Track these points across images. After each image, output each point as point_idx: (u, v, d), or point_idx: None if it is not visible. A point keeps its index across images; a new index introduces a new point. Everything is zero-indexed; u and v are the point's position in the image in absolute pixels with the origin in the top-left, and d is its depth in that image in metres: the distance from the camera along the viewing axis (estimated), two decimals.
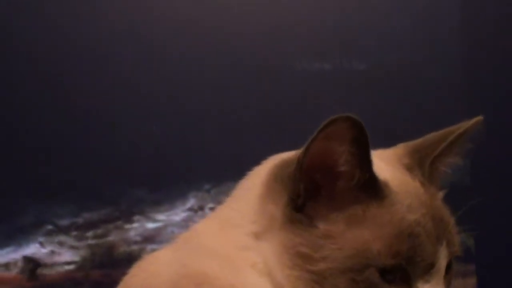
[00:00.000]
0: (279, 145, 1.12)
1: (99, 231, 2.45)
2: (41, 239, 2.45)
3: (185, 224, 2.39)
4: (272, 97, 2.53)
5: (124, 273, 1.10)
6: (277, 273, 0.97)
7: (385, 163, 1.04)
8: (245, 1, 2.53)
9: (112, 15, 2.50)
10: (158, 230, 2.45)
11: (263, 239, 0.99)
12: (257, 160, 1.11)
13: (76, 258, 2.46)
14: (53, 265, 2.44)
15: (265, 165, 1.08)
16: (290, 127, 2.48)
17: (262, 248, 0.99)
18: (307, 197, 0.98)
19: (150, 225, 2.49)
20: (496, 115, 2.38)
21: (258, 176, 1.05)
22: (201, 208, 2.50)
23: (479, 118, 1.10)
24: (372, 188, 0.99)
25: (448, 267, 1.03)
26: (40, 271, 2.44)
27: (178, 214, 2.45)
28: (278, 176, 1.01)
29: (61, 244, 2.46)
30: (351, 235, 0.97)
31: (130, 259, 1.14)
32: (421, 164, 1.07)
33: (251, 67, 2.52)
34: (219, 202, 1.13)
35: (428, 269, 0.99)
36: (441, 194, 1.08)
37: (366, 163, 0.97)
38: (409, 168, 1.06)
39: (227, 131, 2.51)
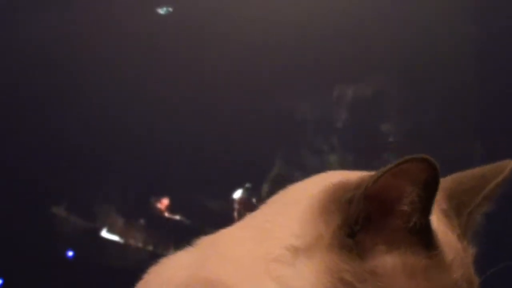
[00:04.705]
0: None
1: None
2: None
3: None
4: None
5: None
6: None
7: None
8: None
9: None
10: None
11: (302, 255, 0.96)
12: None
13: None
14: None
15: (315, 181, 1.04)
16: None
17: (299, 263, 0.95)
18: (361, 227, 0.95)
19: None
20: None
21: (306, 192, 1.01)
22: None
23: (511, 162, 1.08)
24: (425, 237, 0.96)
25: None
26: None
27: None
28: (335, 197, 0.98)
29: None
30: (398, 280, 0.95)
31: None
32: (459, 213, 1.04)
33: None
34: None
35: None
36: (473, 252, 1.05)
37: (427, 210, 0.95)
38: (447, 216, 1.03)
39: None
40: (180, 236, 2.43)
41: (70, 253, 2.48)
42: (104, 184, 2.52)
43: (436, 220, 0.99)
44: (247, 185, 2.51)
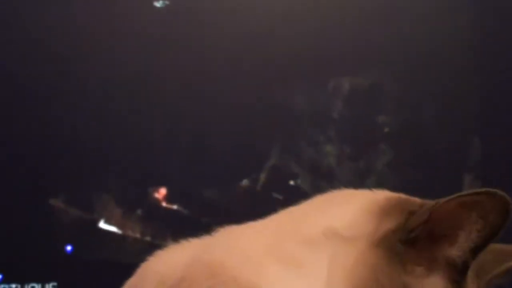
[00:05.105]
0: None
1: None
2: None
3: None
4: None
5: None
6: (339, 280, 0.93)
7: None
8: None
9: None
10: None
11: (342, 242, 0.94)
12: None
13: None
14: None
15: (372, 192, 1.02)
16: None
17: (335, 246, 0.94)
18: (412, 240, 0.94)
19: None
20: None
21: (364, 196, 1.00)
22: None
23: None
24: (460, 275, 0.96)
25: None
26: None
27: None
28: (399, 206, 0.97)
29: None
30: None
31: None
32: (479, 276, 1.02)
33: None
34: None
35: None
36: None
37: (478, 250, 0.94)
38: (469, 276, 1.01)
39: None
40: (178, 226, 2.47)
41: (69, 245, 2.48)
42: (101, 174, 2.53)
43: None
44: (254, 175, 2.53)
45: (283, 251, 0.93)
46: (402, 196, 1.00)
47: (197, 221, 2.47)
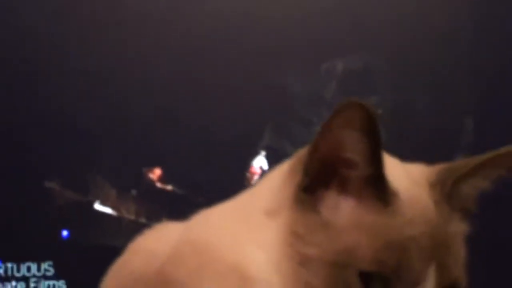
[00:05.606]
0: None
1: None
2: None
3: None
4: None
5: None
6: (276, 250, 0.97)
7: (406, 175, 1.01)
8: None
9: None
10: None
11: (273, 216, 0.99)
12: None
13: None
14: None
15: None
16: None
17: (271, 225, 0.98)
18: (317, 181, 0.97)
19: None
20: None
21: (284, 164, 1.05)
22: None
23: None
24: (378, 190, 0.96)
25: None
26: None
27: None
28: (300, 159, 1.00)
29: None
30: (346, 232, 0.96)
31: None
32: (444, 182, 1.01)
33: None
34: None
35: (412, 287, 0.96)
36: (461, 228, 1.02)
37: (376, 159, 0.95)
38: (431, 185, 1.01)
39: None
40: (173, 207, 2.48)
41: (64, 226, 2.50)
42: (95, 156, 2.54)
43: (410, 184, 0.99)
44: (263, 153, 2.56)
45: (250, 233, 0.99)
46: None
47: (192, 201, 2.50)
